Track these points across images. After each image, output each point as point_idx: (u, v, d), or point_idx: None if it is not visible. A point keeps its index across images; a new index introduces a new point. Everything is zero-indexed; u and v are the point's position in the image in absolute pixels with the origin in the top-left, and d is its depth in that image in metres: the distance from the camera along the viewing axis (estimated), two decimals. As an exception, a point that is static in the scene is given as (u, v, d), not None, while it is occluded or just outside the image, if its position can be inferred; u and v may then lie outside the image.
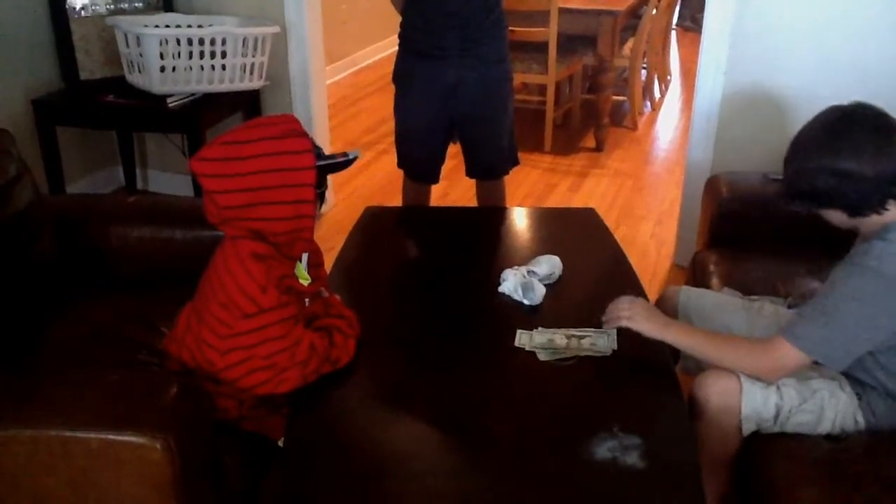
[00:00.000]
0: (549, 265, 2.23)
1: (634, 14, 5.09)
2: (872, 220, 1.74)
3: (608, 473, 1.56)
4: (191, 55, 3.24)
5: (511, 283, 2.15)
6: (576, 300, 2.20)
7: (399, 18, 2.85)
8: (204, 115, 3.35)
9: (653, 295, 2.37)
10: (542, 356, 1.90)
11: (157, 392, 1.63)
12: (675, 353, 1.99)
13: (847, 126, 1.73)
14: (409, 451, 1.68)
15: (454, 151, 3.05)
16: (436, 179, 3.08)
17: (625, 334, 1.92)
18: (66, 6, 3.40)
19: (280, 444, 1.82)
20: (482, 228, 2.74)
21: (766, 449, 1.80)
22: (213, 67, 3.32)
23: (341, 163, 1.86)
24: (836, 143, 1.71)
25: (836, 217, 1.79)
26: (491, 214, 2.96)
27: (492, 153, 3.00)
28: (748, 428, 1.81)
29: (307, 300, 1.89)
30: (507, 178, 3.12)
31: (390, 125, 3.04)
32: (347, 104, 5.81)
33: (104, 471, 1.56)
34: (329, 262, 2.22)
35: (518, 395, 1.84)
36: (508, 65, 2.89)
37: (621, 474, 1.56)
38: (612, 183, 4.45)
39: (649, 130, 5.37)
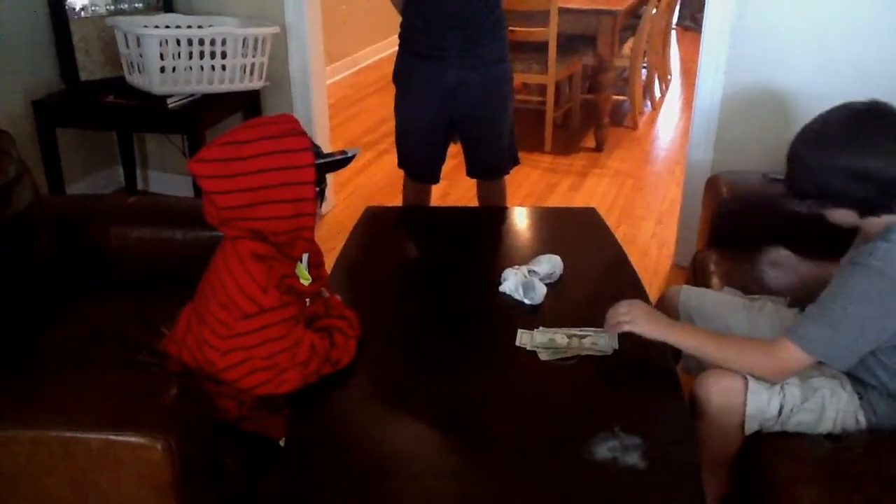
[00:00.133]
0: (550, 265, 2.23)
1: (634, 14, 5.09)
2: (877, 221, 1.74)
3: (609, 473, 1.56)
4: (191, 56, 3.24)
5: (512, 282, 2.15)
6: (577, 300, 2.20)
7: (399, 19, 2.85)
8: (204, 115, 3.35)
9: (653, 294, 2.37)
10: (543, 356, 1.90)
11: (157, 392, 1.63)
12: (676, 353, 1.98)
13: (867, 124, 1.70)
14: (409, 451, 1.68)
15: (455, 151, 3.05)
16: (436, 179, 3.08)
17: (626, 334, 1.91)
18: (66, 7, 3.40)
19: (281, 443, 1.82)
20: (483, 228, 2.74)
21: (767, 448, 1.80)
22: (213, 68, 3.32)
23: (340, 161, 1.86)
24: (857, 142, 1.69)
25: (842, 216, 1.78)
26: (491, 214, 2.96)
27: (492, 153, 3.00)
28: (751, 427, 1.81)
29: (308, 300, 1.89)
30: (507, 178, 3.12)
31: (390, 125, 3.04)
32: (348, 104, 5.82)
33: (104, 471, 1.56)
34: (330, 263, 2.22)
35: (519, 395, 1.84)
36: (508, 65, 2.89)
37: (622, 474, 1.55)
38: (612, 183, 4.45)
39: (649, 130, 5.37)
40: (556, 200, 4.21)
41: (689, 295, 2.22)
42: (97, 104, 3.38)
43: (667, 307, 2.22)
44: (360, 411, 1.80)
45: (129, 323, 2.14)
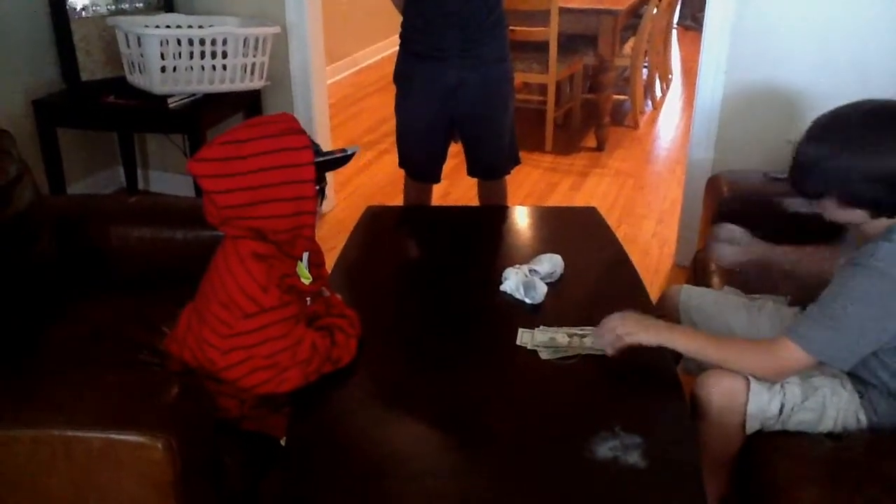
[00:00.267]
0: (551, 264, 2.23)
1: (635, 13, 5.09)
2: (877, 222, 1.73)
3: (609, 473, 1.56)
4: (191, 55, 3.24)
5: (513, 281, 2.15)
6: (577, 299, 2.20)
7: (400, 18, 2.85)
8: (205, 115, 3.35)
9: (654, 294, 2.37)
10: (543, 355, 1.90)
11: (158, 392, 1.63)
12: (675, 353, 1.98)
13: (885, 124, 1.68)
14: (409, 450, 1.68)
15: (455, 151, 3.05)
16: (437, 179, 3.08)
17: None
18: (67, 7, 3.40)
19: (282, 442, 1.82)
20: (483, 227, 2.74)
21: (767, 448, 1.79)
22: (213, 68, 3.32)
23: (340, 158, 1.86)
24: (877, 143, 1.66)
25: (848, 216, 1.75)
26: (492, 213, 2.96)
27: (493, 153, 3.00)
28: (752, 426, 1.80)
29: (308, 299, 1.89)
30: (508, 178, 3.12)
31: (391, 125, 3.04)
32: (348, 104, 5.82)
33: (105, 470, 1.56)
34: (330, 262, 2.22)
35: (519, 394, 1.84)
36: (509, 64, 2.89)
37: (622, 474, 1.55)
38: (613, 182, 4.45)
39: (650, 130, 5.37)
40: (556, 200, 4.21)
41: (690, 294, 2.22)
42: (98, 104, 3.38)
43: (667, 306, 2.22)
44: (360, 410, 1.80)
45: (130, 323, 2.14)
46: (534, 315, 2.07)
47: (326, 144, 3.89)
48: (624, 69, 5.44)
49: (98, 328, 2.11)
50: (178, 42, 3.21)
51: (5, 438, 1.57)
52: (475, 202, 3.23)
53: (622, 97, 5.53)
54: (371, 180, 4.44)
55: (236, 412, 1.81)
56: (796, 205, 2.50)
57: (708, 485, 1.77)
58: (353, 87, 6.26)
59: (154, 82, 3.24)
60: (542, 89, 4.89)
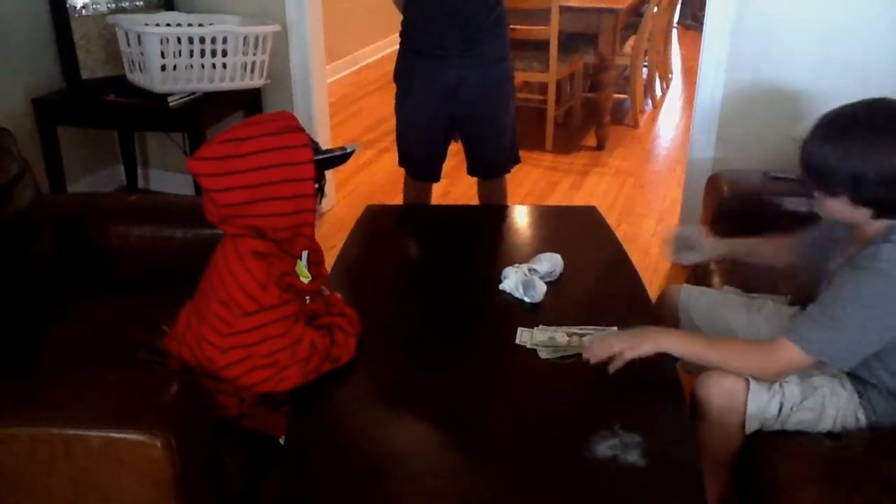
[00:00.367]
0: (551, 263, 2.23)
1: (635, 12, 5.09)
2: (881, 222, 1.72)
3: (609, 472, 1.56)
4: (192, 54, 3.24)
5: (512, 280, 2.15)
6: (577, 298, 2.20)
7: (400, 17, 2.85)
8: (205, 113, 3.35)
9: (654, 293, 2.37)
10: (543, 354, 1.90)
11: (157, 390, 1.63)
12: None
13: None
14: (409, 450, 1.68)
15: (455, 150, 3.05)
16: (437, 178, 3.08)
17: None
18: (67, 5, 3.40)
19: (281, 441, 1.82)
20: (483, 226, 2.73)
21: (767, 447, 1.80)
22: (213, 66, 3.32)
23: (339, 157, 1.86)
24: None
25: (855, 214, 1.73)
26: (492, 212, 2.96)
27: (493, 152, 3.00)
28: (751, 426, 1.80)
29: (308, 298, 1.89)
30: (508, 177, 3.12)
31: (391, 123, 3.04)
32: (348, 102, 5.82)
33: (105, 469, 1.56)
34: (330, 261, 2.22)
35: (519, 394, 1.84)
36: (509, 63, 2.89)
37: (622, 473, 1.55)
38: (613, 181, 4.45)
39: (650, 129, 5.37)
40: (556, 199, 4.21)
41: (690, 294, 2.21)
42: (98, 102, 3.38)
43: (667, 305, 2.22)
44: (359, 409, 1.80)
45: (130, 323, 2.14)
46: (533, 314, 2.07)
47: (327, 143, 3.89)
48: (624, 68, 5.43)
49: (98, 328, 2.11)
50: (179, 40, 3.21)
51: (5, 437, 1.57)
52: (475, 201, 3.23)
53: (622, 96, 5.53)
54: (371, 179, 4.44)
55: (235, 411, 1.81)
56: (796, 204, 2.50)
57: (708, 484, 1.77)
58: (353, 85, 6.26)
59: (154, 81, 3.24)
60: (543, 88, 4.89)
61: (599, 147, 4.90)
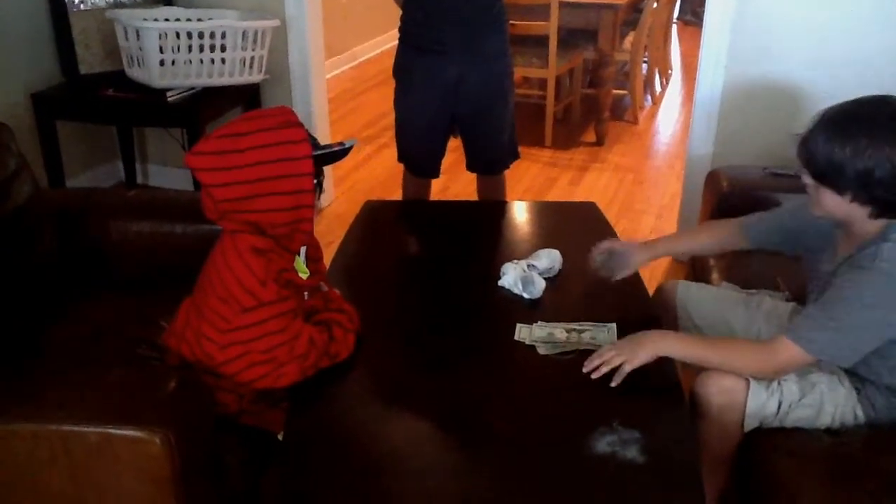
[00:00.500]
0: (550, 259, 2.23)
1: (635, 8, 5.08)
2: (877, 222, 1.72)
3: (608, 468, 1.56)
4: (190, 49, 3.24)
5: (511, 276, 2.15)
6: (576, 294, 2.20)
7: (399, 13, 2.84)
8: (204, 109, 3.34)
9: (652, 289, 2.37)
10: (542, 350, 1.90)
11: (156, 387, 1.63)
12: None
13: None
14: (408, 447, 1.68)
15: (454, 145, 3.04)
16: (436, 174, 3.08)
17: (624, 329, 1.92)
18: (66, 0, 3.39)
19: (279, 437, 1.82)
20: (482, 222, 2.73)
21: (766, 444, 1.80)
22: (212, 61, 3.31)
23: (338, 152, 1.86)
24: None
25: (854, 212, 1.72)
26: (491, 208, 2.95)
27: (492, 148, 2.99)
28: (750, 424, 1.80)
29: (306, 294, 1.89)
30: (507, 173, 3.11)
31: (390, 119, 3.04)
32: (348, 98, 5.81)
33: (104, 466, 1.56)
34: (329, 257, 2.22)
35: (518, 390, 1.84)
36: (509, 59, 2.89)
37: (621, 469, 1.55)
38: (612, 177, 4.45)
39: (650, 124, 5.37)
40: (556, 195, 4.20)
41: (688, 290, 2.21)
42: (97, 97, 3.37)
43: (664, 300, 2.22)
44: (358, 406, 1.80)
45: (131, 322, 2.14)
46: (532, 310, 2.07)
47: (325, 139, 3.88)
48: (624, 64, 5.43)
49: (99, 327, 2.11)
50: (177, 35, 3.21)
51: (5, 433, 1.56)
52: (474, 197, 3.22)
53: (622, 92, 5.53)
54: (370, 175, 4.44)
55: (234, 407, 1.81)
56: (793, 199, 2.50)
57: (707, 481, 1.77)
58: (352, 81, 6.25)
59: (153, 76, 3.23)
60: (542, 84, 4.88)
61: (599, 143, 4.90)
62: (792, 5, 2.96)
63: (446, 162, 3.06)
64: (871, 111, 1.68)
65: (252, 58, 3.42)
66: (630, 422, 1.65)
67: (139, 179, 4.12)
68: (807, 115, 1.78)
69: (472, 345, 1.98)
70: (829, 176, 1.69)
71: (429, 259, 2.47)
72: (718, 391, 1.79)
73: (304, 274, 1.85)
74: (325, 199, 3.99)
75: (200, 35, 3.23)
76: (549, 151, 4.78)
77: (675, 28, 7.16)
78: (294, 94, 3.73)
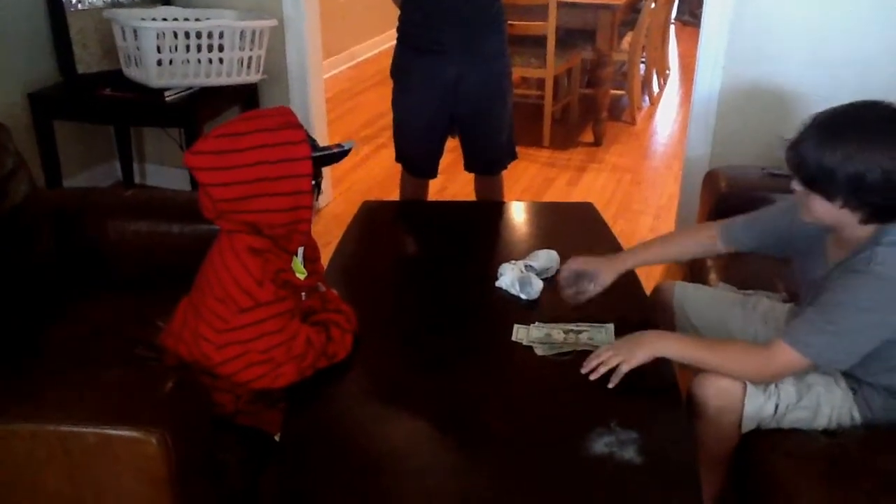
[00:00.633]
0: (547, 259, 2.23)
1: (633, 8, 5.09)
2: (867, 227, 1.71)
3: (605, 469, 1.56)
4: (188, 48, 3.23)
5: (508, 277, 2.15)
6: (573, 295, 2.19)
7: (398, 13, 2.84)
8: (201, 108, 3.34)
9: (650, 289, 2.37)
10: (539, 351, 1.90)
11: (153, 387, 1.63)
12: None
13: None
14: (406, 447, 1.68)
15: (453, 145, 3.04)
16: (434, 174, 3.08)
17: (621, 330, 1.92)
18: (63, -1, 3.39)
19: (276, 438, 1.81)
20: (480, 223, 2.73)
21: (764, 445, 1.80)
22: (210, 61, 3.31)
23: (336, 154, 1.86)
24: None
25: (844, 218, 1.71)
26: (489, 209, 2.95)
27: (490, 148, 2.99)
28: (748, 426, 1.81)
29: (304, 294, 1.89)
30: (505, 173, 3.11)
31: (388, 119, 3.04)
32: (345, 98, 5.81)
33: (102, 466, 1.56)
34: (326, 257, 2.22)
35: (515, 390, 1.84)
36: (508, 59, 2.89)
37: (618, 470, 1.55)
38: (610, 177, 4.45)
39: (648, 125, 5.37)
40: (553, 195, 4.21)
41: (685, 291, 2.21)
42: (94, 97, 3.37)
43: (661, 300, 2.23)
44: (356, 406, 1.80)
45: (130, 322, 2.14)
46: (529, 311, 2.07)
47: (323, 139, 3.88)
48: (622, 64, 5.43)
49: (98, 328, 2.11)
50: (175, 35, 3.20)
51: (4, 433, 1.56)
52: (472, 197, 3.22)
53: (620, 92, 5.53)
54: (368, 175, 4.44)
55: (231, 407, 1.80)
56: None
57: (704, 481, 1.77)
58: (350, 81, 6.25)
59: (151, 75, 3.23)
60: (540, 84, 4.89)
61: (596, 143, 4.90)
62: (791, 6, 2.96)
63: (444, 162, 3.06)
64: (861, 115, 1.68)
65: (250, 58, 3.41)
66: (627, 422, 1.65)
67: (136, 179, 4.11)
68: (805, 116, 1.77)
69: (470, 345, 1.98)
70: (820, 181, 1.68)
71: (426, 259, 2.47)
72: (716, 393, 1.79)
73: (301, 274, 1.85)
74: (322, 199, 3.99)
75: (198, 35, 3.23)
76: (546, 152, 4.78)
77: (673, 28, 7.16)
78: (292, 94, 3.73)
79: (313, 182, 1.77)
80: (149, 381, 1.67)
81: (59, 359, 2.01)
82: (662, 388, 1.81)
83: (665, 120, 5.51)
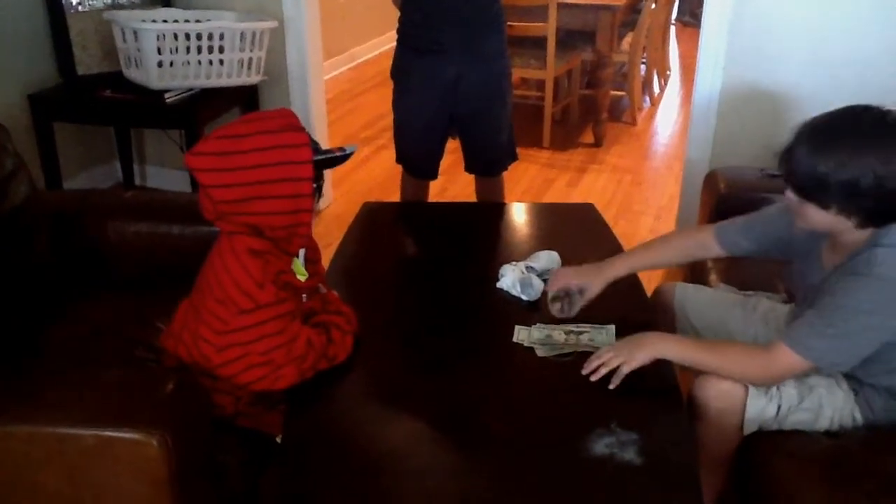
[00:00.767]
0: (548, 260, 2.23)
1: (633, 9, 5.09)
2: (864, 231, 1.70)
3: (605, 470, 1.56)
4: (188, 50, 3.23)
5: (509, 278, 2.15)
6: (574, 296, 2.19)
7: (398, 14, 2.84)
8: (202, 110, 3.34)
9: (651, 290, 2.37)
10: (540, 352, 1.90)
11: (153, 388, 1.63)
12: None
13: None
14: (406, 448, 1.68)
15: (453, 147, 3.04)
16: (434, 175, 3.08)
17: (622, 330, 1.91)
18: (63, 1, 3.39)
19: (277, 440, 1.81)
20: (480, 224, 2.73)
21: (765, 446, 1.79)
22: (210, 62, 3.31)
23: (338, 157, 1.85)
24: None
25: (838, 223, 1.69)
26: (489, 210, 2.95)
27: (491, 149, 2.99)
28: (749, 428, 1.80)
29: (304, 296, 1.89)
30: (505, 174, 3.11)
31: (389, 120, 3.04)
32: (346, 99, 5.81)
33: (101, 467, 1.55)
34: (327, 258, 2.22)
35: (516, 392, 1.84)
36: (507, 60, 2.89)
37: (619, 471, 1.55)
38: (610, 178, 4.45)
39: (648, 126, 5.37)
40: (554, 196, 4.20)
41: (686, 292, 2.21)
42: (94, 98, 3.37)
43: (661, 302, 2.22)
44: (356, 408, 1.80)
45: (130, 323, 2.14)
46: (530, 312, 2.07)
47: (324, 140, 3.88)
48: (622, 65, 5.43)
49: (98, 328, 2.11)
50: (175, 37, 3.20)
51: (2, 434, 1.56)
52: (472, 198, 3.22)
53: (620, 93, 5.53)
54: (368, 176, 4.44)
55: (231, 409, 1.80)
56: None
57: (705, 482, 1.77)
58: (350, 82, 6.25)
59: (151, 77, 3.23)
60: (540, 85, 4.88)
61: (597, 144, 4.90)
62: (790, 6, 2.96)
63: (445, 163, 3.06)
64: (852, 121, 1.66)
65: (250, 59, 3.41)
66: (628, 423, 1.65)
67: (137, 181, 4.11)
68: (805, 116, 1.76)
69: (471, 346, 1.98)
70: (813, 190, 1.66)
71: (427, 261, 2.47)
72: (717, 395, 1.79)
73: (302, 276, 1.85)
74: (323, 200, 3.98)
75: (198, 36, 3.23)
76: (547, 153, 4.78)
77: (673, 29, 7.17)
78: (292, 96, 3.73)
79: (314, 185, 1.76)
80: (149, 382, 1.67)
81: (59, 359, 2.01)
82: (663, 389, 1.81)
83: (666, 120, 5.51)
